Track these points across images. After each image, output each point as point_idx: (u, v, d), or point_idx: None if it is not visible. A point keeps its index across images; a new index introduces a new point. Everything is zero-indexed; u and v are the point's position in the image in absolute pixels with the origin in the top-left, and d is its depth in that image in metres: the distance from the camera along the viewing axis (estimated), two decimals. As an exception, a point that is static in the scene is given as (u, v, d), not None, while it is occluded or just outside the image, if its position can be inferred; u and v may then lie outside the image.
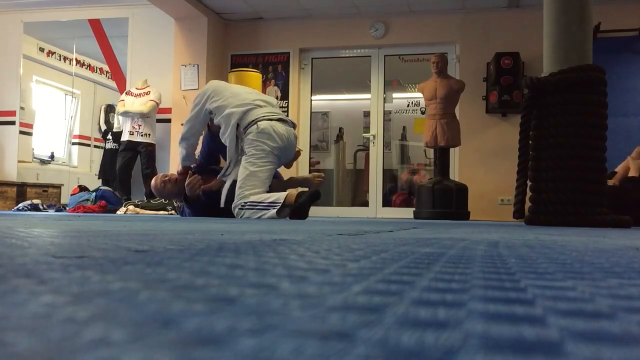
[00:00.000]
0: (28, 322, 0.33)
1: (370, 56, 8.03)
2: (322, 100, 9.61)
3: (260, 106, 4.27)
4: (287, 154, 4.36)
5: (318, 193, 4.08)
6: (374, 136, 7.93)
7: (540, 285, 0.56)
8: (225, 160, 4.45)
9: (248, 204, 4.03)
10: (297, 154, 4.73)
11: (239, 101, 4.24)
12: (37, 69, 8.91)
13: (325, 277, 0.58)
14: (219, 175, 4.36)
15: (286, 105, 7.96)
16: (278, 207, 3.94)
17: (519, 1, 7.20)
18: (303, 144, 8.02)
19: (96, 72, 9.35)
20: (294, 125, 4.45)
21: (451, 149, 6.81)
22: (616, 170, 5.11)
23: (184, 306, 0.39)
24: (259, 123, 4.13)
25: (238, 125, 4.19)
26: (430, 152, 7.67)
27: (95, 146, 9.32)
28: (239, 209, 4.08)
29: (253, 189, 4.08)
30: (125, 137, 7.37)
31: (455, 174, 7.22)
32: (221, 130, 4.31)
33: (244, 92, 4.47)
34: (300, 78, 8.03)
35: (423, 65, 7.63)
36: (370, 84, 8.07)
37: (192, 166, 4.53)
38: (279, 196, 4.00)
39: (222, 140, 4.32)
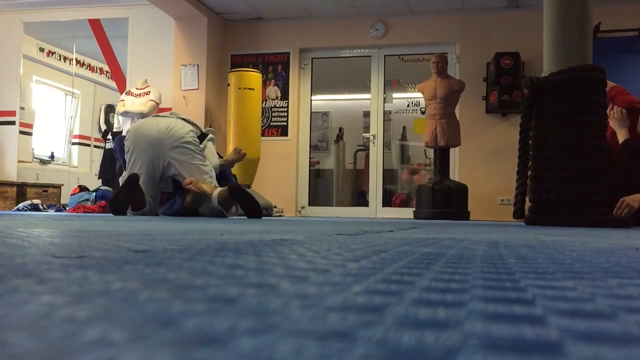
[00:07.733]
0: (28, 322, 0.33)
1: (370, 56, 8.02)
2: (322, 100, 9.61)
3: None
4: (159, 142, 4.40)
5: (133, 177, 4.20)
6: (374, 136, 7.92)
7: (540, 285, 0.56)
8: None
9: None
10: (240, 155, 4.91)
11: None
12: (37, 69, 8.91)
13: (325, 277, 0.58)
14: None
15: (286, 105, 7.95)
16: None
17: (519, 1, 7.20)
18: (303, 143, 8.02)
19: (96, 72, 9.34)
20: (192, 123, 4.65)
21: (451, 149, 6.81)
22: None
23: (184, 306, 0.39)
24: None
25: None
26: (430, 152, 7.67)
27: (95, 146, 9.32)
28: None
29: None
30: (125, 137, 7.37)
31: (455, 174, 7.22)
32: None
33: None
34: (300, 78, 8.02)
35: (423, 65, 7.63)
36: (370, 84, 8.07)
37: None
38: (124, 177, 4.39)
39: None
